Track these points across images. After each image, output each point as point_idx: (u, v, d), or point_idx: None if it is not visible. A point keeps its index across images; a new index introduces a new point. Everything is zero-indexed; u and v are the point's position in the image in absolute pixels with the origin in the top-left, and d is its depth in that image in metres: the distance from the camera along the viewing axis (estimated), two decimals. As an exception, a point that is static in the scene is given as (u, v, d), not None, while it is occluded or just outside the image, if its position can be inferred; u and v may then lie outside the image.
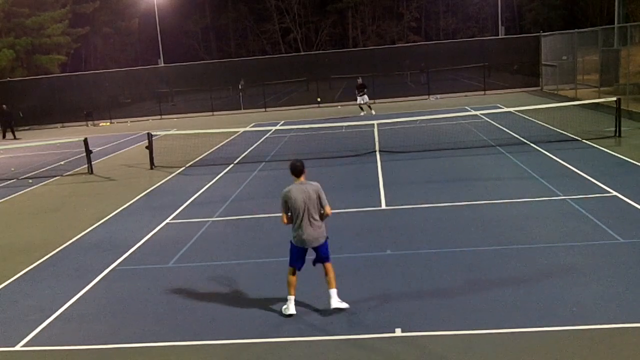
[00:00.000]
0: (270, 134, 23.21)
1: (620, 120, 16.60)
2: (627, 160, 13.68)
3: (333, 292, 6.86)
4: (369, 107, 27.84)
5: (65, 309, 7.68)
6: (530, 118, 21.31)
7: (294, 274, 6.98)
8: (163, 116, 35.49)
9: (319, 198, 6.78)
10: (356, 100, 27.73)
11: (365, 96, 27.44)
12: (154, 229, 11.06)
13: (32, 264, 9.61)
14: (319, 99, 33.71)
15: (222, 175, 15.74)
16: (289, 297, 6.95)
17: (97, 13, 53.56)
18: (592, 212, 9.92)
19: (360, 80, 27.66)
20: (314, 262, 7.03)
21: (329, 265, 6.93)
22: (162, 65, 45.37)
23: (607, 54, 25.62)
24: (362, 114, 27.19)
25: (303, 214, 6.71)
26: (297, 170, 6.92)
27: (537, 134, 17.90)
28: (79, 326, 7.17)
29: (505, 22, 57.77)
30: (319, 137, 21.32)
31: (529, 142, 16.58)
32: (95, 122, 35.35)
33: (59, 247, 10.45)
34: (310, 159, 17.08)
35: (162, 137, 22.47)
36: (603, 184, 11.66)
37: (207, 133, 21.57)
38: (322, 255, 6.92)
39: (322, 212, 6.84)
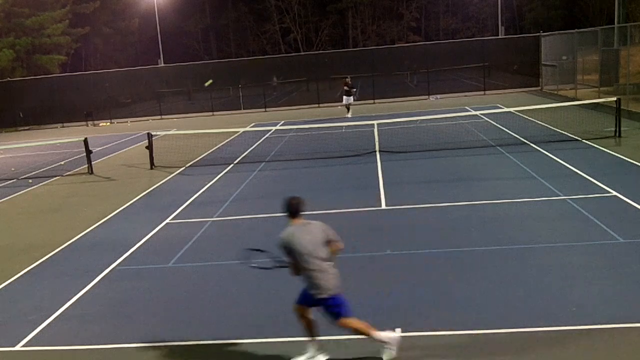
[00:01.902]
0: (270, 134, 23.22)
1: (620, 120, 16.60)
2: (627, 160, 13.69)
3: (377, 335, 5.75)
4: (347, 108, 27.54)
5: (66, 309, 7.68)
6: (530, 118, 21.31)
7: (304, 314, 5.79)
8: (163, 116, 35.51)
9: (327, 237, 5.68)
10: (343, 100, 27.49)
11: (352, 98, 27.32)
12: (154, 229, 11.06)
13: (32, 264, 9.61)
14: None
15: (222, 175, 15.75)
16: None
17: (97, 13, 53.56)
18: (592, 212, 9.92)
19: (349, 79, 27.49)
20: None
21: (344, 322, 5.68)
22: (162, 65, 45.38)
23: (607, 54, 25.62)
24: (348, 115, 27.13)
25: (313, 259, 5.57)
26: (293, 210, 5.69)
27: (537, 134, 17.90)
28: (79, 326, 7.17)
29: (505, 22, 57.76)
30: (319, 137, 21.33)
31: (529, 142, 16.58)
32: (95, 122, 35.37)
33: (59, 247, 10.45)
34: (310, 159, 17.12)
35: (162, 137, 22.47)
36: (603, 184, 11.66)
37: (207, 133, 21.58)
38: (329, 311, 5.67)
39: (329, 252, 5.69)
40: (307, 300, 5.76)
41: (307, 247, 5.56)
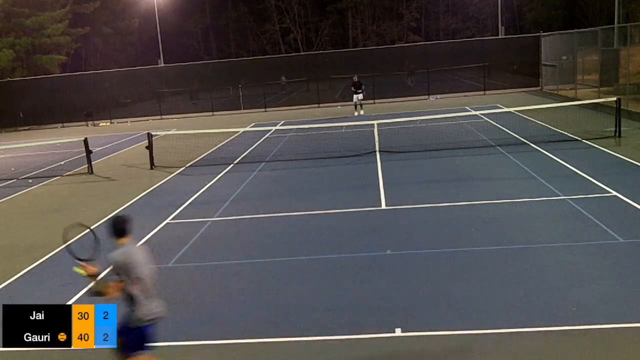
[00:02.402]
0: (270, 134, 23.22)
1: (620, 120, 16.60)
2: (627, 160, 13.69)
3: None
4: (360, 106, 27.66)
5: (66, 309, 7.67)
6: (530, 118, 21.30)
7: None
8: (163, 116, 35.51)
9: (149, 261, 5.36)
10: (354, 99, 27.64)
11: (361, 95, 27.40)
12: (154, 229, 11.06)
13: (32, 264, 9.62)
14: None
15: (222, 175, 15.75)
16: None
17: (97, 13, 53.51)
18: (592, 212, 9.92)
19: (356, 78, 27.54)
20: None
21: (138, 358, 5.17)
22: (162, 65, 45.38)
23: (607, 54, 25.61)
24: (355, 114, 27.17)
25: (147, 281, 5.19)
26: (122, 229, 5.28)
27: (537, 134, 17.89)
28: (79, 326, 7.16)
29: (505, 22, 57.76)
30: (319, 137, 21.33)
31: (529, 142, 16.58)
32: (95, 122, 35.36)
33: (59, 247, 10.43)
34: (310, 159, 17.12)
35: (162, 137, 22.46)
36: (603, 184, 11.66)
37: (207, 133, 21.58)
38: (134, 341, 5.13)
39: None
40: (139, 339, 5.13)
41: (145, 268, 5.22)
